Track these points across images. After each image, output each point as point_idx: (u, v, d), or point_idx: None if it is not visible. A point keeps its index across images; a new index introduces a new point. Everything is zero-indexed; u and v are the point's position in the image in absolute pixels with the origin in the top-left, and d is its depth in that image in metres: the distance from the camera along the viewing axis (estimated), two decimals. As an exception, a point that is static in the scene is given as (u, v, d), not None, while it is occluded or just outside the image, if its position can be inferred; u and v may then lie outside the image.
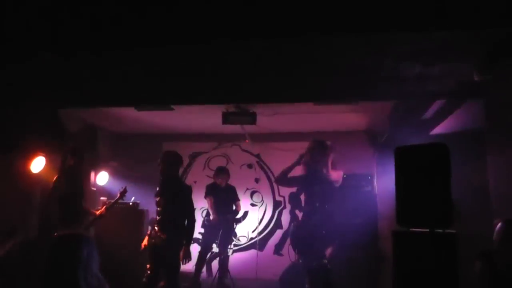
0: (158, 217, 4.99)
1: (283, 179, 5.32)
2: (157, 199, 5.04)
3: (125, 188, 5.65)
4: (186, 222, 4.94)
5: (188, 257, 4.83)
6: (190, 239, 4.96)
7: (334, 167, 4.95)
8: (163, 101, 5.55)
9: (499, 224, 2.55)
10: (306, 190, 5.18)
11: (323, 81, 3.79)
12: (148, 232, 5.17)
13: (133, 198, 6.85)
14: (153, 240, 4.92)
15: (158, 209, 5.02)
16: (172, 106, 6.78)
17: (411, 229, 3.21)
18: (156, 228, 4.93)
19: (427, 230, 3.13)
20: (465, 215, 3.72)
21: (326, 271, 4.49)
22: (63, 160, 5.16)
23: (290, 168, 5.15)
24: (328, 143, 4.97)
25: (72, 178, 4.97)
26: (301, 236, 4.93)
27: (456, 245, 3.01)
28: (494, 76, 3.06)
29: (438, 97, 4.15)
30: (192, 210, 5.10)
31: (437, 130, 5.13)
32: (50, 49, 3.28)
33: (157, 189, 5.13)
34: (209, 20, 3.11)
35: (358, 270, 4.98)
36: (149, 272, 4.86)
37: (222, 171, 7.51)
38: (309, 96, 4.39)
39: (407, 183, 3.33)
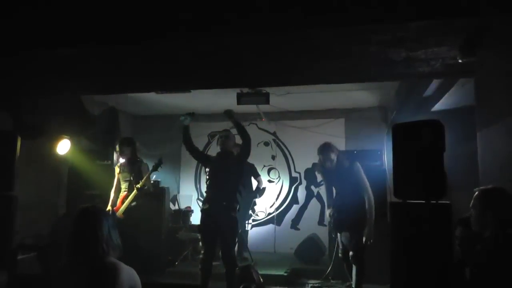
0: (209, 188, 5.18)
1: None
2: (208, 169, 5.26)
3: (160, 160, 5.94)
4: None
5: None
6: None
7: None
8: (182, 86, 5.77)
9: (476, 193, 2.77)
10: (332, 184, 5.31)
11: (322, 65, 3.99)
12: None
13: (154, 177, 7.15)
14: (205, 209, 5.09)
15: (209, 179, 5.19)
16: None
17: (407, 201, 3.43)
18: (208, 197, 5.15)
19: (423, 201, 3.34)
20: (457, 187, 3.92)
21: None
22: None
23: None
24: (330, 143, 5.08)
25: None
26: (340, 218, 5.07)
27: (450, 214, 3.20)
28: (480, 56, 3.20)
29: (428, 77, 4.31)
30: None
31: (438, 106, 5.28)
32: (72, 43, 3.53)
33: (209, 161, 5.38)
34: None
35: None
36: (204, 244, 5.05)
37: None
38: (311, 79, 4.61)
39: (404, 158, 3.53)
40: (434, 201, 3.26)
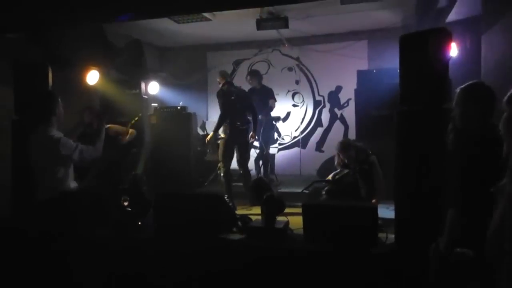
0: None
1: None
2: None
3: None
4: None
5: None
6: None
7: None
8: (197, 9, 5.78)
9: (458, 90, 2.83)
10: None
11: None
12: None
13: (181, 103, 7.42)
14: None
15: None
16: (210, 17, 7.14)
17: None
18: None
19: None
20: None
21: None
22: None
23: None
24: None
25: None
26: None
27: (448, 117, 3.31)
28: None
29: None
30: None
31: (452, 17, 5.21)
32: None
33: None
34: None
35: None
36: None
37: (250, 73, 7.77)
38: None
39: (410, 66, 3.66)
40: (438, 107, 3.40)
